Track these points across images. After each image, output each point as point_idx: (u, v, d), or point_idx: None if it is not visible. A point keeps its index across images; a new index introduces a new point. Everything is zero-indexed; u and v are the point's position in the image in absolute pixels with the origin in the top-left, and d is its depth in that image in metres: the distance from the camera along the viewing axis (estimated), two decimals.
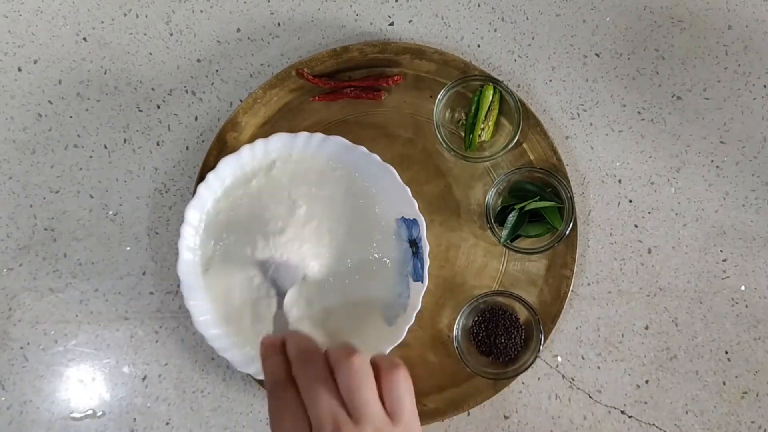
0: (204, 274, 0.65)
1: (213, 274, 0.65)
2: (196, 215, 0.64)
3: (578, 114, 0.72)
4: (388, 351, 0.63)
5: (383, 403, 0.44)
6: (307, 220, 0.65)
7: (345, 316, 0.66)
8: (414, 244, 0.65)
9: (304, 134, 0.64)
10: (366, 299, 0.66)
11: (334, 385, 0.44)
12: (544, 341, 0.68)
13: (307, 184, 0.66)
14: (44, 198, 0.71)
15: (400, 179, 0.63)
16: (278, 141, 0.64)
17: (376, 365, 0.46)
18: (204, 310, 0.64)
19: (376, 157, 0.63)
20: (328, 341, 0.65)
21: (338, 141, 0.64)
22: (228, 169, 0.64)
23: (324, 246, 0.66)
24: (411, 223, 0.65)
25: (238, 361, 0.63)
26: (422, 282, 0.64)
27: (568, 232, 0.66)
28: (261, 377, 0.63)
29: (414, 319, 0.63)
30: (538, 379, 0.70)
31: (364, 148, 0.63)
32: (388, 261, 0.66)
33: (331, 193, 0.66)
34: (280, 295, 0.64)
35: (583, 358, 0.70)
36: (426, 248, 0.63)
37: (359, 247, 0.66)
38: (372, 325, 0.66)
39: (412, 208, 0.64)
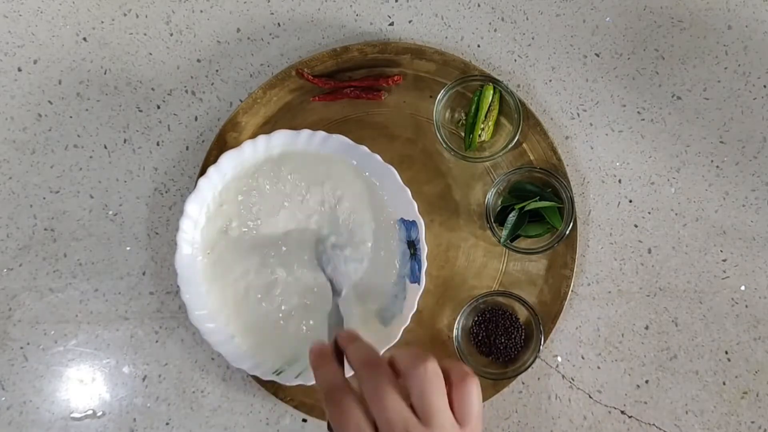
0: (205, 264, 0.65)
1: (214, 264, 0.65)
2: (196, 209, 0.64)
3: (578, 114, 0.72)
4: (382, 352, 0.63)
5: (452, 408, 0.45)
6: (345, 216, 0.66)
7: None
8: (412, 245, 0.65)
9: (306, 131, 0.64)
10: (365, 299, 0.66)
11: (400, 390, 0.44)
12: (544, 341, 0.68)
13: (326, 179, 0.67)
14: (44, 198, 0.71)
15: (401, 180, 0.64)
16: (280, 137, 0.64)
17: (446, 371, 0.46)
18: (200, 304, 0.64)
19: (378, 157, 0.64)
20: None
21: (340, 140, 0.64)
22: (229, 164, 0.64)
23: (359, 246, 0.66)
24: (410, 225, 0.65)
25: (233, 356, 0.64)
26: (419, 284, 0.64)
27: (568, 232, 0.66)
28: (255, 373, 0.63)
29: (410, 321, 0.64)
30: (538, 379, 0.70)
31: (365, 148, 0.64)
32: (387, 261, 0.66)
33: (351, 189, 0.67)
34: (336, 293, 0.64)
35: (583, 358, 0.70)
36: (424, 250, 0.63)
37: (371, 247, 0.67)
38: (368, 326, 0.66)
39: (412, 210, 0.64)
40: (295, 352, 0.65)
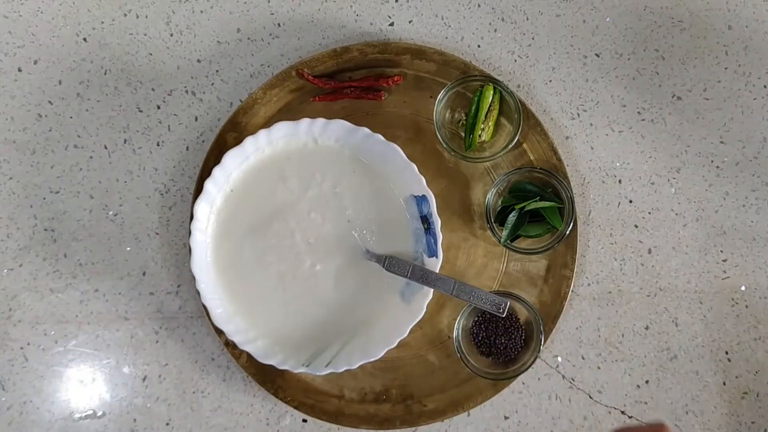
0: (218, 266, 0.65)
1: (228, 265, 0.66)
2: (206, 210, 0.65)
3: (578, 114, 0.72)
4: (409, 328, 0.64)
5: None
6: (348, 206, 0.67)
7: (365, 297, 0.67)
8: (425, 220, 0.65)
9: (306, 120, 0.64)
10: (383, 279, 0.67)
11: None
12: (544, 341, 0.68)
13: (325, 171, 0.67)
14: (44, 198, 0.71)
15: (405, 157, 0.64)
16: (281, 129, 0.64)
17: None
18: (218, 303, 0.65)
19: (380, 136, 0.64)
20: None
21: (341, 124, 0.64)
22: (233, 162, 0.64)
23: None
24: (421, 200, 0.65)
25: (260, 352, 0.64)
26: (437, 257, 0.64)
27: (568, 232, 0.66)
28: (284, 367, 0.63)
29: (432, 295, 0.64)
30: (538, 379, 0.70)
31: (366, 129, 0.64)
32: (402, 239, 0.67)
33: (351, 175, 0.67)
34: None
35: (583, 358, 0.70)
36: (437, 223, 0.64)
37: (378, 228, 0.67)
38: (389, 304, 0.67)
39: (420, 185, 0.64)
40: (321, 342, 0.66)
